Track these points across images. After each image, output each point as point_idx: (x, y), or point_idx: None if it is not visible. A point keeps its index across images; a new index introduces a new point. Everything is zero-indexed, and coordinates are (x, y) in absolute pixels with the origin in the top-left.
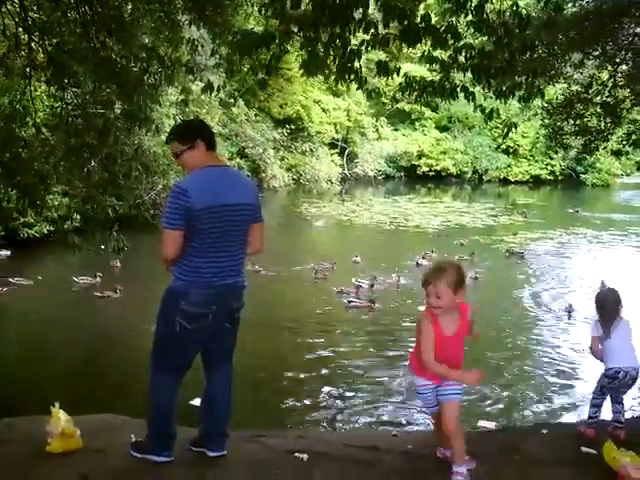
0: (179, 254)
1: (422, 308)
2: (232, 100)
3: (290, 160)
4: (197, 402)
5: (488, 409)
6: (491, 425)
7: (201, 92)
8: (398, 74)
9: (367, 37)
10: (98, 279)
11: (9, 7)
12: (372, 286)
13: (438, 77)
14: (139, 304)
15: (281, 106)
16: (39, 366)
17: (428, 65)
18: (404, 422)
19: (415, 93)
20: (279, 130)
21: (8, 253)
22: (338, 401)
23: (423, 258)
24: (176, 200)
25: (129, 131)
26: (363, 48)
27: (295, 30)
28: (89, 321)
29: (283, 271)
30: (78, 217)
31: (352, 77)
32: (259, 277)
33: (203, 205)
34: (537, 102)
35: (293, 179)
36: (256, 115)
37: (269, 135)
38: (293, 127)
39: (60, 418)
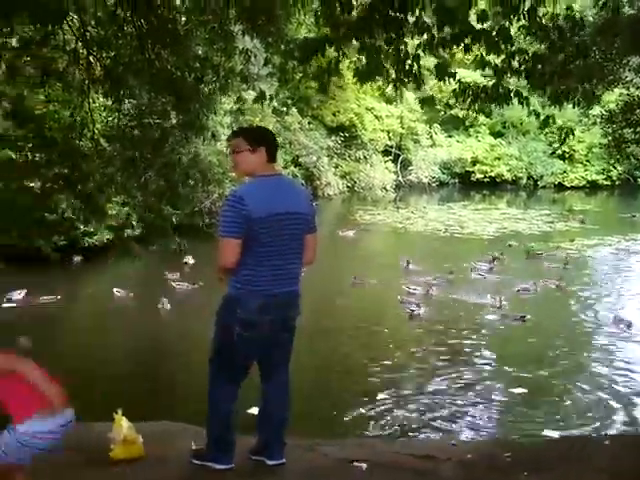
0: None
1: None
2: (284, 108)
3: (344, 167)
4: (255, 410)
5: (551, 417)
6: (555, 434)
7: (253, 102)
8: (454, 78)
9: (421, 40)
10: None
11: (69, 23)
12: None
13: (491, 82)
14: (195, 312)
15: (334, 114)
16: (100, 371)
17: (481, 70)
18: (463, 431)
19: (469, 99)
20: (333, 138)
21: (78, 259)
22: (396, 410)
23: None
24: (233, 208)
25: (186, 140)
26: (420, 51)
27: (350, 36)
28: (146, 330)
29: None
30: (135, 224)
31: (410, 79)
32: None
33: (260, 214)
34: (596, 108)
35: (347, 186)
36: (309, 123)
37: (323, 143)
38: (347, 135)
39: (123, 425)
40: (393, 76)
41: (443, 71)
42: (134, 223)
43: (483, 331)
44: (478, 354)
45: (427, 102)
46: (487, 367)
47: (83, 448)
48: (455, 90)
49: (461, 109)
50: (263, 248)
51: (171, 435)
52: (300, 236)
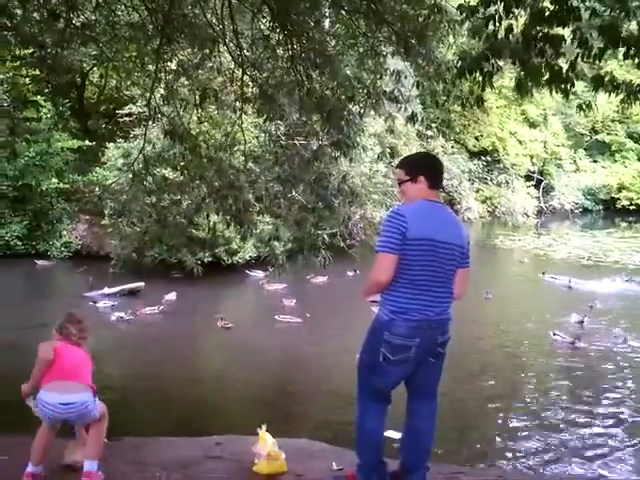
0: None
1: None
2: (433, 132)
3: (485, 192)
4: (390, 433)
5: None
6: None
7: (406, 121)
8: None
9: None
10: None
11: (226, 46)
12: (582, 322)
13: None
14: (328, 329)
15: (477, 138)
16: (236, 388)
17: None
18: (606, 467)
19: (622, 94)
20: (475, 162)
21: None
22: (538, 439)
23: None
24: (394, 223)
25: (335, 159)
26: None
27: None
28: (280, 346)
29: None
30: (282, 241)
31: (568, 88)
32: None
33: (417, 235)
34: None
35: (488, 211)
36: (452, 147)
37: (464, 167)
38: (489, 159)
39: (267, 441)
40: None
41: (599, 81)
42: (280, 239)
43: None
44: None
45: (587, 107)
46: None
47: (228, 459)
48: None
49: (607, 134)
50: (415, 271)
51: (311, 453)
52: (453, 267)
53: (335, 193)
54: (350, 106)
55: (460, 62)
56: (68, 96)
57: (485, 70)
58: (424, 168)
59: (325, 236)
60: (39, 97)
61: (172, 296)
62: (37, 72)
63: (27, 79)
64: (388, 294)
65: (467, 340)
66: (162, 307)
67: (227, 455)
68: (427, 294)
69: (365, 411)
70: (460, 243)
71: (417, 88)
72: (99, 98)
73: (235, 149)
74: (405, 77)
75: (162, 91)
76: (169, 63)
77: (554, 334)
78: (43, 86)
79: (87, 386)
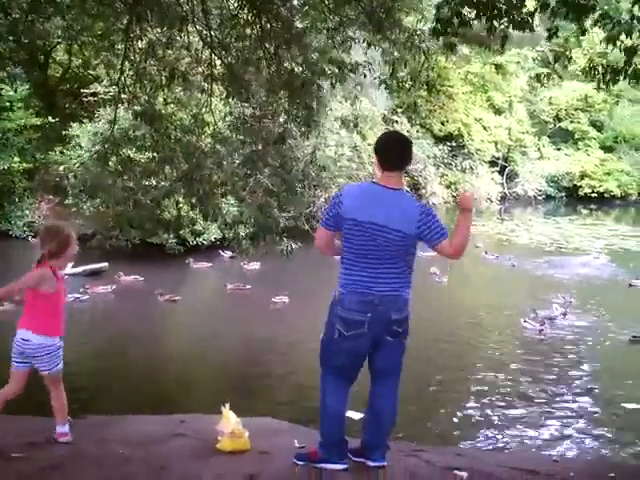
0: (330, 253)
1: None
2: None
3: (450, 177)
4: (351, 414)
5: None
6: None
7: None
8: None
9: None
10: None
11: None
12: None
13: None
14: (303, 311)
15: (442, 123)
16: (207, 366)
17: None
18: (563, 448)
19: (598, 76)
20: (440, 147)
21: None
22: (496, 421)
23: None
24: (332, 203)
25: (304, 135)
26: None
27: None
28: (257, 325)
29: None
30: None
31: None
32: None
33: (348, 215)
34: None
35: (452, 196)
36: (417, 131)
37: (429, 152)
38: (454, 144)
39: (230, 419)
40: None
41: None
42: (245, 222)
43: (587, 345)
44: (585, 370)
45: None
46: (593, 384)
47: (191, 437)
48: (584, 68)
49: (571, 122)
50: (355, 250)
51: (275, 432)
52: (397, 249)
53: (300, 178)
54: (319, 81)
55: (435, 23)
56: (31, 73)
57: (458, 23)
58: (378, 146)
59: (285, 221)
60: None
61: (129, 277)
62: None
63: None
64: (340, 274)
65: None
66: (114, 286)
67: (191, 433)
68: (370, 271)
69: (326, 387)
70: (401, 228)
71: (387, 65)
72: (63, 76)
73: (202, 131)
74: (370, 45)
75: (131, 71)
76: (138, 42)
77: (525, 321)
78: (6, 62)
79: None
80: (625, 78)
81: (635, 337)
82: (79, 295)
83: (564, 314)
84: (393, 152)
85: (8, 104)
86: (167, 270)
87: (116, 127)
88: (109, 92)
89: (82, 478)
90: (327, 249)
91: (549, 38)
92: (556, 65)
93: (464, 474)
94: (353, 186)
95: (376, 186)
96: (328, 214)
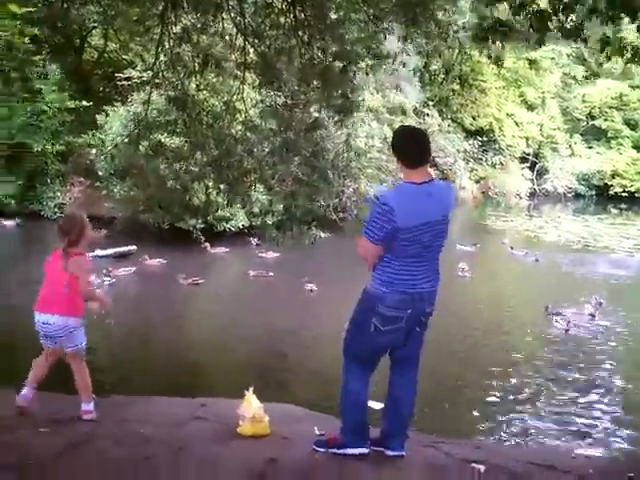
0: (372, 263)
1: None
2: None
3: (480, 172)
4: (372, 404)
5: None
6: None
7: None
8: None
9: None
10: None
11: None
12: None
13: None
14: (332, 300)
15: (474, 117)
16: (229, 352)
17: None
18: (583, 446)
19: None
20: (470, 141)
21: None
22: (516, 416)
23: None
24: (383, 217)
25: (338, 123)
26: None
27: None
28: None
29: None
30: (275, 212)
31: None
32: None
33: (408, 225)
34: None
35: (482, 191)
36: (448, 125)
37: (460, 146)
38: (484, 139)
39: (252, 403)
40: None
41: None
42: (273, 212)
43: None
44: (609, 370)
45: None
46: (617, 384)
47: (212, 420)
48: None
49: (605, 120)
50: (407, 252)
51: (295, 418)
52: (439, 243)
53: (330, 167)
54: (354, 70)
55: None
56: (67, 57)
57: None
58: (395, 145)
59: (318, 209)
60: (38, 57)
61: (153, 260)
62: (36, 32)
63: (26, 39)
64: (380, 269)
65: (450, 315)
66: (135, 268)
67: (212, 416)
68: (415, 268)
69: (350, 374)
70: (447, 213)
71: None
72: (98, 60)
73: (234, 118)
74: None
75: (165, 56)
76: (173, 28)
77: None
78: (42, 47)
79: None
80: None
81: None
82: (107, 279)
83: (592, 315)
84: (413, 148)
85: (41, 87)
86: (191, 255)
87: (149, 110)
88: (143, 77)
89: (104, 456)
90: (372, 260)
91: (602, 50)
92: (591, 62)
93: (482, 467)
94: (395, 194)
95: (412, 186)
96: (379, 229)
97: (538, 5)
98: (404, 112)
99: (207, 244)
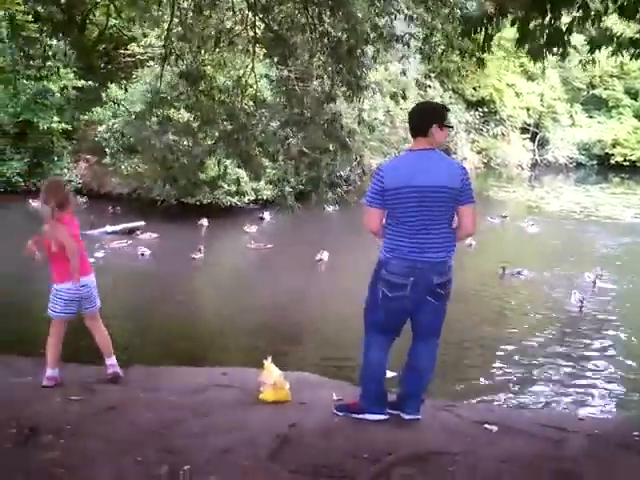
0: (381, 234)
1: None
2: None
3: (481, 143)
4: (388, 374)
5: None
6: None
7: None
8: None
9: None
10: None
11: None
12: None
13: None
14: (342, 270)
15: (475, 88)
16: (239, 322)
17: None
18: (590, 409)
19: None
20: (471, 112)
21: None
22: (527, 381)
23: None
24: (375, 179)
25: (349, 99)
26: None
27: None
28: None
29: None
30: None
31: (560, 51)
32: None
33: (393, 185)
34: None
35: (483, 162)
36: (450, 97)
37: (461, 117)
38: (485, 110)
39: (272, 371)
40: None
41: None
42: (289, 181)
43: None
44: (616, 335)
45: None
46: (623, 349)
47: (235, 388)
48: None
49: (605, 89)
50: (400, 217)
51: (313, 385)
52: (444, 208)
53: (347, 135)
54: (364, 48)
55: (464, 23)
56: (70, 34)
57: (487, 31)
58: (409, 119)
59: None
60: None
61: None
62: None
63: (29, 16)
64: (385, 238)
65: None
66: (131, 241)
67: (234, 384)
68: (416, 236)
69: (369, 343)
70: (447, 184)
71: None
72: (99, 37)
73: (245, 93)
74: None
75: (177, 30)
76: (184, 2)
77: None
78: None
79: None
80: None
81: None
82: (144, 249)
83: (594, 282)
84: (410, 120)
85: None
86: (200, 229)
87: (161, 84)
88: (146, 53)
89: (135, 419)
90: (379, 229)
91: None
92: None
93: (494, 427)
94: (390, 161)
95: (410, 153)
96: (373, 193)
97: None
98: (405, 86)
99: (204, 219)
